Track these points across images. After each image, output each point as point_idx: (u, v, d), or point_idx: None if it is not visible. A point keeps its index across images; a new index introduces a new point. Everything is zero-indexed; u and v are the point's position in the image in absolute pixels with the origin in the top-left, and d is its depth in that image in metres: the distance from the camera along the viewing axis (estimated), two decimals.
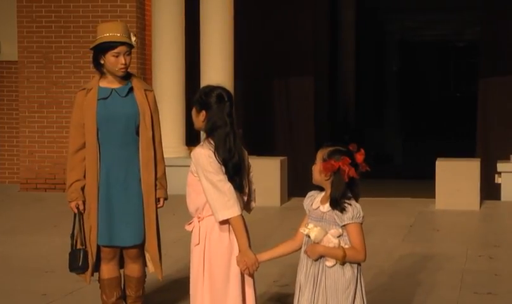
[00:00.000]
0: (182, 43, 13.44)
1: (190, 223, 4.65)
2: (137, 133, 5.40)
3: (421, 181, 14.16)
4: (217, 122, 4.54)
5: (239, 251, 4.51)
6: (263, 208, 11.21)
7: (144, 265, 5.61)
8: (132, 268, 5.56)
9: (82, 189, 5.38)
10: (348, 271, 4.28)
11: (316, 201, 4.39)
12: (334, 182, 4.26)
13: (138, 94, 5.41)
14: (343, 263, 4.25)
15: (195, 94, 4.69)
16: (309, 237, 4.29)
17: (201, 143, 4.60)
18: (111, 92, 5.37)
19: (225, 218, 4.47)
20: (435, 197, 11.75)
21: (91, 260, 5.41)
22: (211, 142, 4.53)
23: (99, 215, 5.35)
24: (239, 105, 14.01)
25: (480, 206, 11.68)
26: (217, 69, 13.20)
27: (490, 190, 12.73)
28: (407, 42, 28.62)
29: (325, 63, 19.43)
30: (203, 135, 4.65)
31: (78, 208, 5.37)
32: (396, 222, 10.60)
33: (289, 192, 12.53)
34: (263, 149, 14.27)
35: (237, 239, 4.52)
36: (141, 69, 13.68)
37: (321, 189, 4.39)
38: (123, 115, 5.35)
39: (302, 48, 16.21)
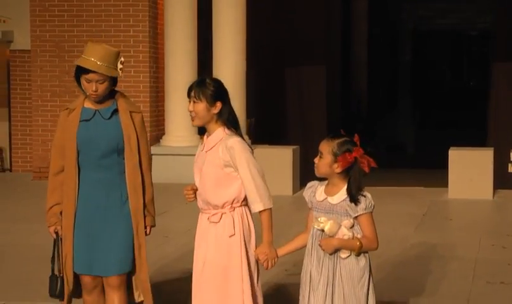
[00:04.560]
0: (195, 32, 13.43)
1: (214, 214, 4.49)
2: (121, 156, 4.99)
3: (433, 170, 14.11)
4: (232, 112, 4.53)
5: (264, 243, 4.45)
6: (275, 197, 11.11)
7: (127, 295, 5.07)
8: (112, 299, 5.01)
9: (62, 213, 5.02)
10: (362, 260, 4.26)
11: (319, 192, 4.32)
12: (353, 176, 4.20)
13: (123, 116, 5.01)
14: (358, 254, 4.23)
15: (201, 88, 4.47)
16: (323, 231, 4.23)
17: (228, 134, 4.47)
18: (94, 114, 5.04)
19: (268, 207, 4.43)
20: (447, 187, 11.72)
21: (67, 288, 5.01)
22: (232, 130, 4.49)
23: (75, 242, 4.98)
24: (251, 95, 14.01)
25: (493, 196, 11.64)
26: (230, 59, 13.20)
27: (503, 179, 12.68)
28: (419, 31, 28.49)
29: (337, 52, 19.42)
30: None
31: (57, 233, 5.04)
32: (409, 211, 10.58)
33: (302, 181, 12.51)
34: (276, 139, 14.27)
35: (265, 231, 4.45)
36: (153, 59, 13.68)
37: (321, 179, 4.34)
38: (105, 138, 4.96)
39: (314, 38, 16.20)
